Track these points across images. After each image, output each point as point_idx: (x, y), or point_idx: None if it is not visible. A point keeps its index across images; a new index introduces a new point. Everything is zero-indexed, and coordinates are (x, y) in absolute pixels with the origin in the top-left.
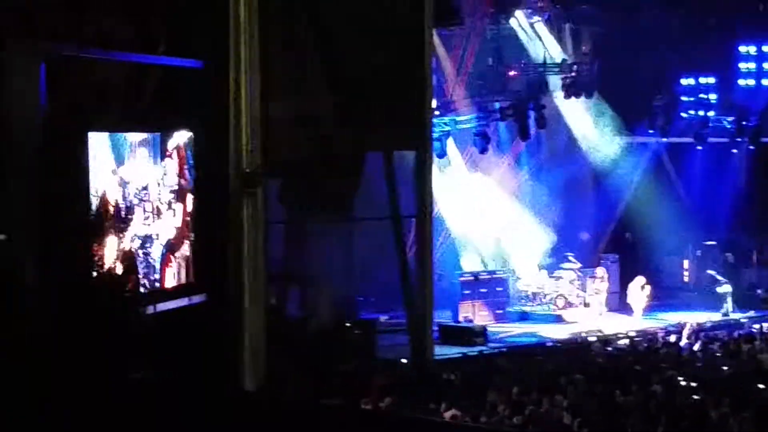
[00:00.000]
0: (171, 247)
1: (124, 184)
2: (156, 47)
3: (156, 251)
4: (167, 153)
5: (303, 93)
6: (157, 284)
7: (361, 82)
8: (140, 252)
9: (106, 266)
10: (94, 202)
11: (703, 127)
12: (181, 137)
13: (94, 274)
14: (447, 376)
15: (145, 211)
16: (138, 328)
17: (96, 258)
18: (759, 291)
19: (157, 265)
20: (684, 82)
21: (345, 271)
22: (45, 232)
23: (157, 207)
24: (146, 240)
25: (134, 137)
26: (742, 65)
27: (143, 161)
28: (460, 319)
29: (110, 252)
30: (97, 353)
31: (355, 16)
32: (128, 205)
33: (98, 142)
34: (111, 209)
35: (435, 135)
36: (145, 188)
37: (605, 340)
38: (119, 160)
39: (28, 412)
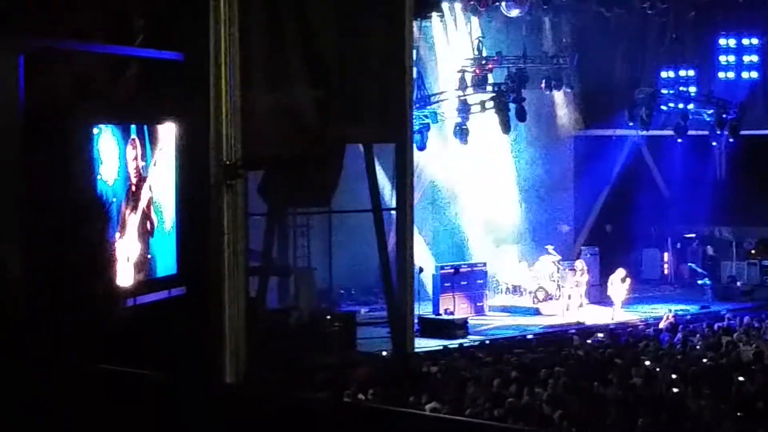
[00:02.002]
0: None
1: (104, 174)
2: (135, 39)
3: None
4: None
5: (283, 86)
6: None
7: (341, 75)
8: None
9: (90, 257)
10: (78, 192)
11: (683, 119)
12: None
13: (78, 265)
14: (427, 369)
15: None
16: (118, 320)
17: (80, 249)
18: (739, 284)
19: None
20: (664, 74)
21: (325, 263)
22: (28, 223)
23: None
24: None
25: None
26: (722, 58)
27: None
28: (441, 311)
29: (93, 242)
30: (77, 344)
31: (335, 9)
32: (107, 194)
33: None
34: (95, 199)
35: (415, 127)
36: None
37: (585, 333)
38: (100, 152)
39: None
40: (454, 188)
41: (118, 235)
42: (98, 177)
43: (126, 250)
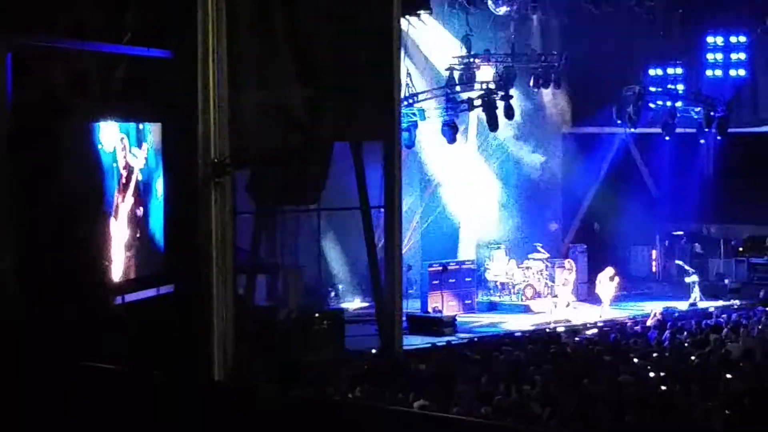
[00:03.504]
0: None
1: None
2: (124, 37)
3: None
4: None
5: (272, 83)
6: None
7: (330, 73)
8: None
9: (81, 252)
10: (69, 187)
11: (670, 117)
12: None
13: (68, 260)
14: (416, 367)
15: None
16: (108, 317)
17: (71, 244)
18: (726, 281)
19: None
20: (652, 72)
21: (314, 261)
22: (19, 221)
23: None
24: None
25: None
26: (710, 56)
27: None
28: (429, 309)
29: (85, 238)
30: (68, 341)
31: (324, 6)
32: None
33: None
34: (86, 195)
35: (403, 125)
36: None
37: (573, 330)
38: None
39: None
40: (441, 186)
41: (111, 219)
42: (99, 146)
43: (115, 246)
